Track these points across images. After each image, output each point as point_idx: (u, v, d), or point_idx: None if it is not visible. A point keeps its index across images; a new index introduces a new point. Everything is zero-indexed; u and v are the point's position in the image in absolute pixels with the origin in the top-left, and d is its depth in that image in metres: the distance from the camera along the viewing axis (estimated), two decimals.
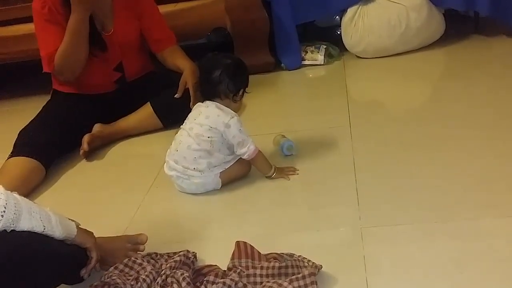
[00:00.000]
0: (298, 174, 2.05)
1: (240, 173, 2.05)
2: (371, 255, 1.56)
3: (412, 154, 2.07)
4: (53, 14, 2.40)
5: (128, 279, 1.54)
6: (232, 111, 1.97)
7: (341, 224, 1.74)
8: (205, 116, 1.96)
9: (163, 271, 1.54)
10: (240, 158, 2.01)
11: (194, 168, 1.97)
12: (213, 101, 1.98)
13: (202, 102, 2.02)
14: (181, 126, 2.04)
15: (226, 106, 1.97)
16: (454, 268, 1.46)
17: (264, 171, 2.03)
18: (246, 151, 1.96)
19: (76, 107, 2.54)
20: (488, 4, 2.94)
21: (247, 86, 2.02)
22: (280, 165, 2.07)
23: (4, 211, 1.30)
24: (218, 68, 1.95)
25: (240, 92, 1.99)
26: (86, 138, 2.44)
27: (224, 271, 1.56)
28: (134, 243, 1.69)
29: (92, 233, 1.58)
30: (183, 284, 1.47)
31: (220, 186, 2.02)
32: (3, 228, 1.31)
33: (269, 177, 2.03)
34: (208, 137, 1.95)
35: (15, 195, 1.36)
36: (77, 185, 2.31)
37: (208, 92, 2.00)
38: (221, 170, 2.00)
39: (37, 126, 2.44)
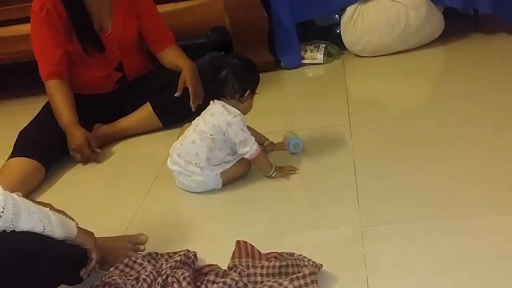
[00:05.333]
0: (298, 173, 2.05)
1: (241, 172, 2.05)
2: (371, 253, 1.56)
3: (412, 152, 2.07)
4: (50, 17, 2.40)
5: (129, 279, 1.54)
6: (237, 111, 1.96)
7: (341, 223, 1.74)
8: (211, 114, 1.97)
9: (163, 271, 1.54)
10: (241, 157, 2.01)
11: (195, 163, 1.97)
12: (220, 100, 1.98)
13: (202, 101, 2.01)
14: (192, 122, 2.05)
15: (233, 107, 1.96)
16: (455, 266, 1.46)
17: (265, 170, 2.03)
18: (249, 150, 1.96)
19: (76, 107, 2.54)
20: (487, 2, 2.94)
21: (255, 87, 1.99)
22: (280, 164, 2.07)
23: (3, 211, 1.30)
24: (225, 68, 1.94)
25: (247, 93, 1.97)
26: None
27: (225, 270, 1.56)
28: (134, 243, 1.69)
29: (93, 233, 1.58)
30: (184, 283, 1.47)
31: (220, 186, 2.02)
32: (3, 229, 1.31)
33: (270, 177, 2.03)
34: (210, 135, 1.95)
35: (14, 195, 1.36)
36: (77, 185, 2.31)
37: (214, 92, 2.00)
38: (221, 170, 2.00)
39: (37, 127, 2.44)
